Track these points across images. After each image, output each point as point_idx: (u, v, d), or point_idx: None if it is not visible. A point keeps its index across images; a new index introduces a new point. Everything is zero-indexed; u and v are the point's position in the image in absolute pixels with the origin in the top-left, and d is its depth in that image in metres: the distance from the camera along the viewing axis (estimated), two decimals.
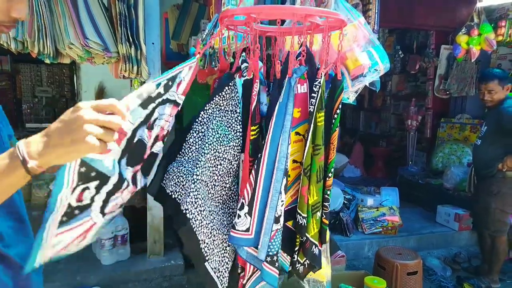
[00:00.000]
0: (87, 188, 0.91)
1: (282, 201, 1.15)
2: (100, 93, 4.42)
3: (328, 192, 1.30)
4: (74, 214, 0.91)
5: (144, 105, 0.99)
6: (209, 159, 1.20)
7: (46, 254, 0.88)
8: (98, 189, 0.93)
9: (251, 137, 1.19)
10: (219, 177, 1.24)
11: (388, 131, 6.69)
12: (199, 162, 1.19)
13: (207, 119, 1.22)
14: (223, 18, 1.17)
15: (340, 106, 1.23)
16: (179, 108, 1.09)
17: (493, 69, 3.34)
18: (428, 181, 4.67)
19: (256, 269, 1.27)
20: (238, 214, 1.18)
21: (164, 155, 1.23)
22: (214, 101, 1.22)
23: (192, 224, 1.19)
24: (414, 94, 5.77)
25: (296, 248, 1.32)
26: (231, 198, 1.33)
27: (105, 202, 0.95)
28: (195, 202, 1.19)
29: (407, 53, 5.46)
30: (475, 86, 4.63)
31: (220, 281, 1.28)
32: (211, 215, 1.24)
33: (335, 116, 1.24)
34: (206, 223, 1.22)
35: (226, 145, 1.22)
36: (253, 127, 1.18)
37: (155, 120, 1.03)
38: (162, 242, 3.08)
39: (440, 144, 5.07)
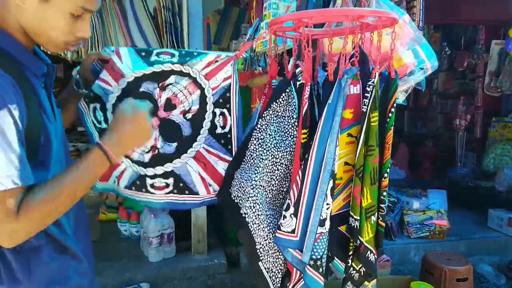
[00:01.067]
0: (95, 108, 1.24)
1: (328, 204, 1.14)
2: None
3: (384, 193, 1.25)
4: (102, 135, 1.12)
5: (149, 62, 1.22)
6: (267, 165, 1.23)
7: None
8: (103, 111, 1.24)
9: (302, 141, 1.20)
10: (277, 182, 1.27)
11: (435, 131, 6.43)
12: (257, 168, 1.23)
13: (265, 125, 1.25)
14: (272, 25, 1.20)
15: (394, 104, 1.21)
16: (199, 89, 1.27)
17: None
18: (478, 183, 4.43)
19: (301, 275, 1.26)
20: (284, 215, 1.18)
21: (231, 163, 1.31)
22: (272, 107, 1.25)
23: (250, 227, 1.25)
24: (462, 92, 5.51)
25: (350, 253, 1.28)
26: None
27: None
28: (253, 207, 1.24)
29: (454, 50, 5.23)
30: None
31: (272, 281, 1.30)
32: (268, 218, 1.26)
33: (390, 115, 1.21)
34: (263, 227, 1.25)
35: (283, 151, 1.24)
36: (304, 130, 1.20)
37: (169, 84, 1.24)
38: (206, 241, 3.15)
39: (492, 145, 4.81)
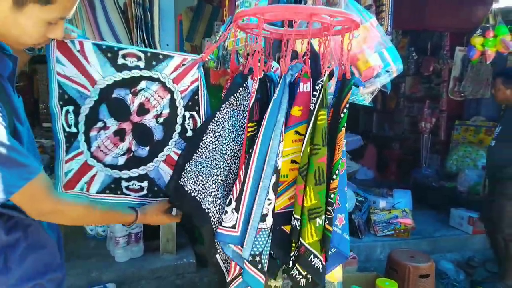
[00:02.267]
0: (68, 111, 1.23)
1: (269, 199, 1.14)
2: None
3: (332, 196, 1.22)
4: (71, 141, 1.23)
5: (117, 67, 1.23)
6: (226, 159, 1.24)
7: (64, 182, 1.25)
8: (76, 115, 1.23)
9: (248, 134, 1.20)
10: (233, 175, 1.27)
11: (402, 133, 6.63)
12: (218, 163, 1.22)
13: (223, 119, 1.24)
14: (236, 19, 1.20)
15: (347, 105, 1.20)
16: (169, 93, 1.28)
17: None
18: (441, 184, 4.62)
19: (241, 270, 1.25)
20: (226, 210, 1.18)
21: (181, 154, 1.29)
22: (229, 102, 1.25)
23: (212, 222, 1.25)
24: (428, 96, 5.71)
25: (292, 254, 1.26)
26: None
27: (87, 136, 1.24)
28: (215, 202, 1.24)
29: (421, 55, 5.41)
30: (490, 88, 4.57)
31: (227, 271, 1.32)
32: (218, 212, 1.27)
33: (342, 115, 1.21)
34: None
35: (240, 145, 1.25)
36: (251, 124, 1.20)
37: (140, 90, 1.27)
38: (175, 240, 3.12)
39: (454, 147, 5.02)
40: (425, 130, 5.25)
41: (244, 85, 1.26)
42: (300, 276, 1.29)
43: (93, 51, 1.20)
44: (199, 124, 1.32)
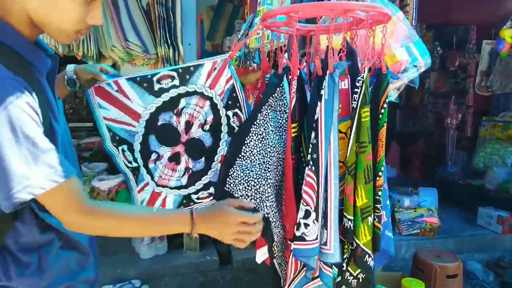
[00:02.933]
0: (123, 150, 1.29)
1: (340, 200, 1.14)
2: None
3: (380, 193, 1.20)
4: (136, 173, 1.30)
5: (154, 93, 1.26)
6: (274, 161, 1.23)
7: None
8: (131, 152, 1.28)
9: (292, 135, 1.20)
10: (279, 177, 1.27)
11: (426, 130, 6.48)
12: (269, 166, 1.21)
13: (264, 121, 1.24)
14: (265, 19, 1.19)
15: (386, 100, 1.19)
16: (208, 100, 1.30)
17: None
18: (468, 181, 4.48)
19: (298, 272, 1.25)
20: (305, 223, 1.12)
21: (224, 160, 1.31)
22: (268, 103, 1.24)
23: (272, 226, 1.25)
24: (454, 92, 5.55)
25: (345, 256, 1.24)
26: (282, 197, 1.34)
27: (147, 168, 1.30)
28: (272, 206, 1.23)
29: (446, 49, 5.26)
30: None
31: (283, 276, 1.32)
32: (279, 215, 1.27)
33: (382, 111, 1.19)
34: (278, 224, 1.26)
35: (283, 147, 1.24)
36: (294, 125, 1.19)
37: (182, 108, 1.29)
38: (198, 238, 3.15)
39: (482, 144, 4.86)
40: (451, 127, 5.11)
41: (281, 85, 1.25)
42: (352, 277, 1.28)
43: (130, 86, 1.24)
44: (243, 119, 1.33)
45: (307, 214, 1.12)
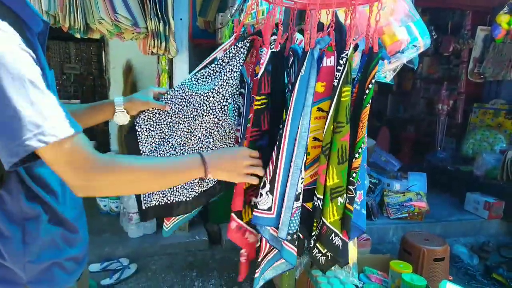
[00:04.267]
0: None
1: (302, 178, 1.11)
2: (128, 70, 4.45)
3: (354, 175, 1.17)
4: None
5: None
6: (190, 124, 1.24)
7: None
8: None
9: (255, 107, 1.15)
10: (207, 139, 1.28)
11: (417, 116, 6.50)
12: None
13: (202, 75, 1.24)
14: None
15: (373, 81, 1.13)
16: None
17: None
18: (457, 167, 4.53)
19: (272, 247, 1.25)
20: (260, 192, 1.14)
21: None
22: (217, 58, 1.23)
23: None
24: (446, 78, 5.54)
25: (314, 233, 1.24)
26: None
27: None
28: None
29: (441, 34, 5.22)
30: None
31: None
32: None
33: (367, 91, 1.14)
34: None
35: (207, 110, 1.23)
36: (258, 97, 1.15)
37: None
38: None
39: (472, 130, 4.90)
40: (442, 113, 5.13)
41: (239, 44, 1.20)
42: (320, 254, 1.28)
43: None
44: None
45: (263, 185, 1.14)
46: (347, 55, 1.09)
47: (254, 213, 1.16)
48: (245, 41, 1.22)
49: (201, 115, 1.22)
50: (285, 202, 1.12)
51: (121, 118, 1.22)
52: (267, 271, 1.30)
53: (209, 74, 1.23)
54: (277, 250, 1.23)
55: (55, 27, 2.49)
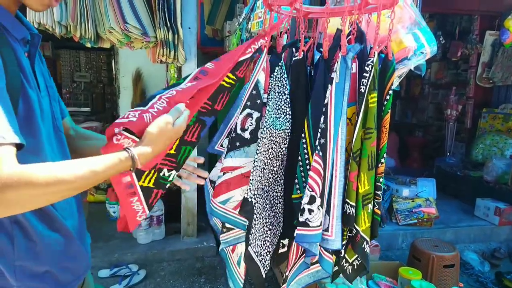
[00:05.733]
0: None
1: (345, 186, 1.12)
2: (137, 78, 4.51)
3: (381, 180, 1.18)
4: None
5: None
6: (265, 143, 1.18)
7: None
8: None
9: (222, 82, 1.10)
10: (269, 161, 1.22)
11: (425, 121, 6.47)
12: (258, 148, 1.17)
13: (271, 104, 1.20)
14: None
15: (392, 87, 1.16)
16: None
17: None
18: (466, 173, 4.49)
19: (300, 256, 1.24)
20: (309, 209, 1.09)
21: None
22: (269, 83, 1.20)
23: (254, 211, 1.21)
24: (455, 83, 5.52)
25: (344, 243, 1.21)
26: (276, 182, 1.29)
27: None
28: (257, 191, 1.21)
29: (449, 39, 5.21)
30: None
31: (262, 264, 1.28)
32: (255, 198, 1.22)
33: (387, 97, 1.15)
34: (255, 210, 1.22)
35: (279, 129, 1.20)
36: (230, 75, 1.11)
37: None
38: (196, 224, 3.14)
39: (481, 135, 4.85)
40: (451, 118, 5.09)
41: (280, 64, 1.21)
42: (347, 264, 1.27)
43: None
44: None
45: (312, 200, 1.08)
46: (372, 62, 1.10)
47: (304, 232, 1.10)
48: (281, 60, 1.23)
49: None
50: (335, 213, 1.09)
51: None
52: (299, 277, 1.28)
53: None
54: (302, 260, 1.23)
55: (66, 37, 2.55)
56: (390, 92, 1.16)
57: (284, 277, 1.30)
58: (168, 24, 2.56)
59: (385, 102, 1.17)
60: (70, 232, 0.91)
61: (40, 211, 0.84)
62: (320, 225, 1.10)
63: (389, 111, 1.18)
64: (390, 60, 1.16)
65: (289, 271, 1.27)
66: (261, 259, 1.29)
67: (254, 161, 1.18)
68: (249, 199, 1.19)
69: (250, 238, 1.24)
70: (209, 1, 3.86)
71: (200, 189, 2.63)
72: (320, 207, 1.09)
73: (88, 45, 2.59)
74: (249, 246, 1.25)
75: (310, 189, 1.09)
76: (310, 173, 1.09)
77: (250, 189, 1.18)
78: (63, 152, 0.94)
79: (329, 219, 1.10)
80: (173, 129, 0.90)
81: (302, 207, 1.10)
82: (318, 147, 1.09)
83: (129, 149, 0.83)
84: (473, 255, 3.24)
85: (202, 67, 1.08)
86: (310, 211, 1.08)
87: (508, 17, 3.45)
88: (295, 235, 1.11)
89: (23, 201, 0.70)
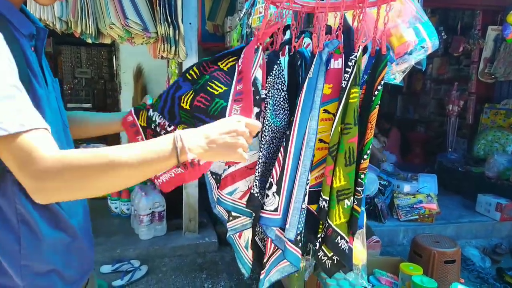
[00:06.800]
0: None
1: (308, 179, 1.12)
2: (138, 74, 4.51)
3: (362, 176, 1.16)
4: None
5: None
6: (267, 140, 1.20)
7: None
8: None
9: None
10: (270, 155, 1.24)
11: (427, 116, 6.45)
12: (262, 145, 1.20)
13: (267, 100, 1.20)
14: None
15: (382, 82, 1.14)
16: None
17: None
18: (468, 168, 4.48)
19: (276, 248, 1.26)
20: (267, 193, 1.16)
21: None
22: (268, 80, 1.20)
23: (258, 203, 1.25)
24: (457, 78, 5.49)
25: (319, 235, 1.23)
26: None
27: None
28: (256, 185, 1.23)
29: (451, 34, 5.18)
30: None
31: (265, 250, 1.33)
32: (260, 193, 1.26)
33: (376, 93, 1.14)
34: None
35: (279, 125, 1.21)
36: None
37: None
38: (197, 220, 3.15)
39: (483, 131, 4.84)
40: (453, 113, 5.08)
41: (278, 61, 1.21)
42: (326, 258, 1.27)
43: None
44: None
45: (270, 186, 1.15)
46: (356, 57, 1.10)
47: (261, 214, 1.18)
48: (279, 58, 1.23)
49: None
50: (292, 204, 1.13)
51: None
52: (272, 272, 1.31)
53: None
54: (281, 251, 1.24)
55: (67, 32, 2.55)
56: (379, 87, 1.15)
57: (263, 264, 1.32)
58: (169, 20, 2.55)
59: (373, 98, 1.16)
60: (75, 230, 0.91)
61: (47, 210, 0.84)
62: (275, 210, 1.15)
63: (377, 106, 1.16)
64: (383, 55, 1.15)
65: (267, 260, 1.29)
66: (264, 244, 1.34)
67: (259, 158, 1.20)
68: (256, 194, 1.21)
69: (257, 228, 1.30)
70: None
71: (202, 185, 2.64)
72: (275, 194, 1.14)
73: (89, 40, 2.59)
74: (255, 236, 1.32)
75: (271, 176, 1.16)
76: (275, 163, 1.15)
77: (256, 185, 1.20)
78: (70, 148, 0.93)
79: (278, 199, 1.15)
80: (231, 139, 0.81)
81: (264, 191, 1.18)
82: (283, 138, 1.14)
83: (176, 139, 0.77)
84: (474, 251, 3.24)
85: (237, 92, 1.12)
86: (267, 195, 1.16)
87: (510, 12, 3.42)
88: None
89: (65, 186, 0.71)
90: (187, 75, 1.26)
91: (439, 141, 5.77)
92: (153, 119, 1.19)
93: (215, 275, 2.76)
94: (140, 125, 1.20)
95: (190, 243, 3.05)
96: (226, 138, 0.80)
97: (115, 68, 5.83)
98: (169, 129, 1.16)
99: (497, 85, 5.04)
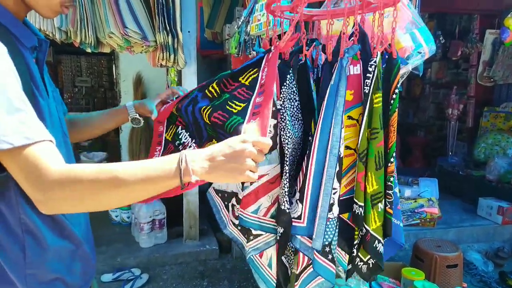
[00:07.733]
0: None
1: (335, 188, 1.10)
2: (138, 82, 4.52)
3: (391, 179, 1.18)
4: None
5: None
6: (291, 153, 1.20)
7: None
8: None
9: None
10: (289, 166, 1.23)
11: (427, 121, 6.46)
12: (287, 159, 1.18)
13: (284, 111, 1.20)
14: (269, 4, 1.15)
15: (398, 86, 1.16)
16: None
17: None
18: (469, 172, 4.48)
19: (310, 261, 1.22)
20: (291, 201, 1.14)
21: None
22: (282, 91, 1.20)
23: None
24: (455, 82, 5.51)
25: (356, 242, 1.22)
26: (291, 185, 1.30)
27: None
28: (286, 200, 1.21)
29: (449, 39, 5.21)
30: None
31: (297, 263, 1.28)
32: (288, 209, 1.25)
33: (393, 96, 1.15)
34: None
35: (297, 136, 1.21)
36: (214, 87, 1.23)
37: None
38: (198, 227, 3.15)
39: (483, 134, 4.84)
40: (452, 117, 5.09)
41: (291, 72, 1.21)
42: (362, 263, 1.26)
43: None
44: None
45: (294, 193, 1.14)
46: (375, 62, 1.11)
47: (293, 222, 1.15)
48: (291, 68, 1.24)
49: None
50: (318, 212, 1.10)
51: (136, 121, 1.31)
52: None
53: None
54: (311, 270, 1.21)
55: (66, 42, 2.56)
56: (396, 91, 1.16)
57: (292, 274, 1.29)
58: (168, 28, 2.57)
59: (392, 101, 1.17)
60: (78, 238, 0.92)
61: (52, 220, 0.86)
62: (298, 218, 1.12)
63: (397, 109, 1.18)
64: (395, 59, 1.17)
65: (301, 272, 1.25)
66: (288, 260, 1.31)
67: (285, 172, 1.17)
68: (287, 210, 1.17)
69: (288, 250, 1.26)
70: (208, 5, 3.87)
71: (202, 193, 2.63)
72: (298, 201, 1.12)
73: (89, 50, 2.60)
74: (282, 256, 1.27)
75: (295, 184, 1.15)
76: (300, 171, 1.14)
77: (286, 200, 1.16)
78: (69, 158, 0.94)
79: (302, 207, 1.12)
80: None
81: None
82: (307, 145, 1.13)
83: (181, 159, 0.76)
84: (476, 255, 3.23)
85: (256, 104, 1.12)
86: (291, 203, 1.14)
87: (508, 15, 3.44)
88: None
89: (66, 200, 0.73)
90: (206, 92, 1.25)
91: (439, 145, 5.77)
92: (179, 137, 1.20)
93: (217, 283, 2.75)
94: (165, 138, 1.24)
95: (191, 250, 3.04)
96: (231, 162, 0.77)
97: (115, 77, 5.86)
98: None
99: (496, 88, 5.06)
